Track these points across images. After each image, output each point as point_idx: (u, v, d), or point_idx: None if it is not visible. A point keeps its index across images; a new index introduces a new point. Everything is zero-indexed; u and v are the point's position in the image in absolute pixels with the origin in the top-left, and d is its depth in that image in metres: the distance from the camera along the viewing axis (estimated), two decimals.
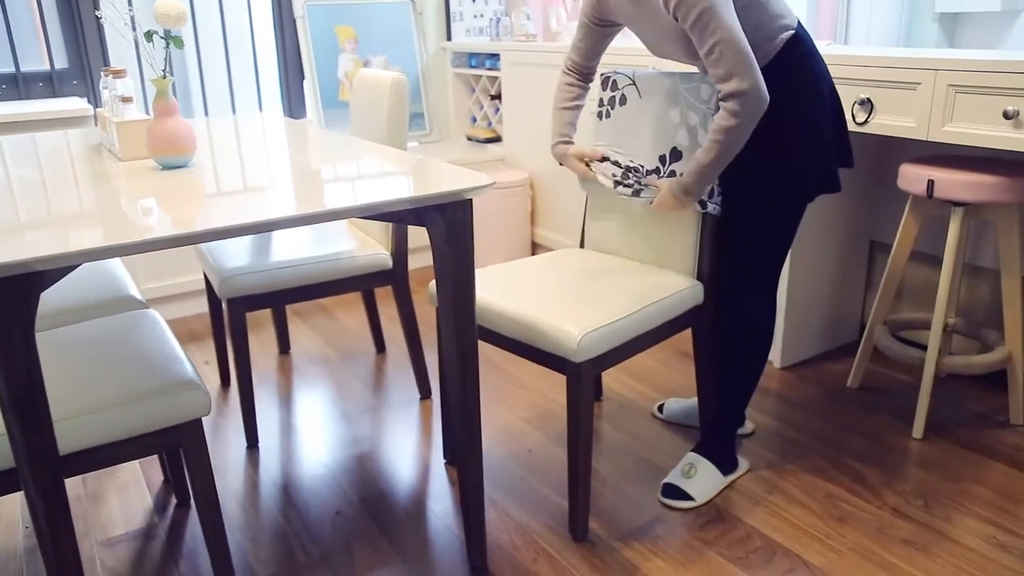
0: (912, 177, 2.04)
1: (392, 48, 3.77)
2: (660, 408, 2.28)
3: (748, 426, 2.17)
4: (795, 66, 1.67)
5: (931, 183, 1.98)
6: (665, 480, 1.91)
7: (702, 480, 1.88)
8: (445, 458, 2.06)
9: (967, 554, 1.67)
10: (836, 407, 2.28)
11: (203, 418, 2.31)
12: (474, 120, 4.04)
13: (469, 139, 3.95)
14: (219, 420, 2.31)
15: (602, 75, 2.01)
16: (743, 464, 1.98)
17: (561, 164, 1.93)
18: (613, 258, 2.03)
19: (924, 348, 2.40)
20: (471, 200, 1.45)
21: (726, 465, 1.92)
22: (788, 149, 1.69)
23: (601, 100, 2.01)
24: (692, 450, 1.94)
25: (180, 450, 1.50)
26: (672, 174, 1.86)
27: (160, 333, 1.64)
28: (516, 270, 1.98)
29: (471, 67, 3.82)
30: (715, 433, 1.93)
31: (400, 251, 2.26)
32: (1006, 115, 1.81)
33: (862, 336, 2.51)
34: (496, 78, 3.79)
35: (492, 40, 3.70)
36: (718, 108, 1.69)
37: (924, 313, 2.38)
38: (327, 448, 2.15)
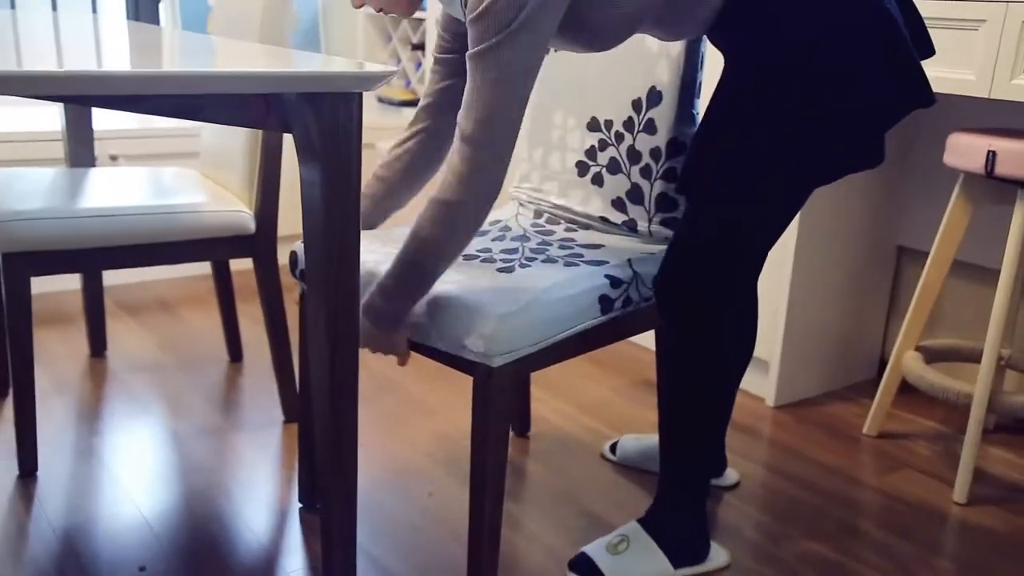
0: (965, 149, 1.90)
1: None
2: (613, 448, 2.09)
3: (730, 476, 1.99)
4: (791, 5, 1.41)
5: (992, 155, 1.84)
6: (583, 547, 1.68)
7: (629, 563, 1.62)
8: (301, 502, 1.84)
9: None
10: (849, 458, 2.14)
11: None
12: None
13: (381, 100, 3.78)
14: None
15: None
16: (719, 556, 1.70)
17: None
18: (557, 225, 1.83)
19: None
20: (360, 96, 1.23)
21: (680, 550, 1.65)
22: (800, 113, 1.43)
23: None
24: (640, 518, 1.70)
25: None
26: (650, 123, 1.69)
27: None
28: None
29: None
30: (666, 501, 1.67)
31: (267, 211, 2.04)
32: None
33: (883, 373, 2.38)
34: (420, 22, 3.63)
35: None
36: None
37: (969, 341, 2.24)
38: (140, 481, 1.89)
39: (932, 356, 2.24)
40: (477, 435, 1.49)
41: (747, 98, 1.45)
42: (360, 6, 1.49)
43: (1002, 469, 2.12)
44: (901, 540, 1.82)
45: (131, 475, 1.92)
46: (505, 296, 1.45)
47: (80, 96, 1.11)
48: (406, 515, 1.83)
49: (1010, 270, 1.90)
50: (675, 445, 1.64)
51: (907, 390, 2.48)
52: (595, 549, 1.66)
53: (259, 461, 2.00)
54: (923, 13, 1.91)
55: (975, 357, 2.23)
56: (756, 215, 1.50)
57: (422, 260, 1.39)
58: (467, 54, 1.34)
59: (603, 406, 2.34)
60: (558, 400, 2.36)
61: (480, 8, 1.30)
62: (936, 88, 1.91)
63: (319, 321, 1.31)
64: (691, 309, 1.55)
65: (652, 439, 2.07)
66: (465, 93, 1.35)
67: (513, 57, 1.31)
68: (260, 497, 1.86)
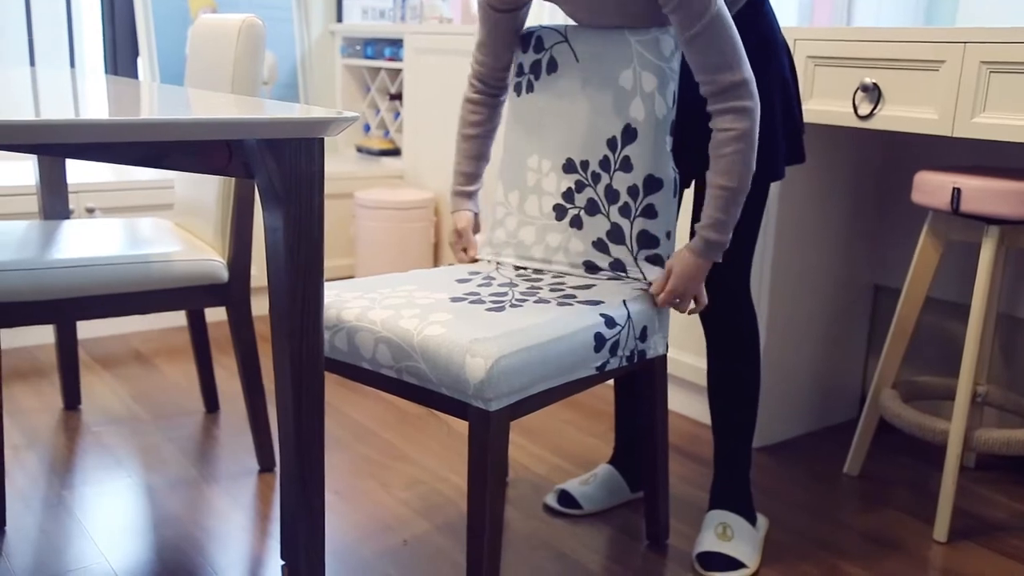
0: (931, 187, 1.94)
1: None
2: (562, 499, 2.06)
3: None
4: (763, 10, 1.77)
5: (957, 192, 1.88)
6: (700, 550, 1.84)
7: (744, 542, 1.86)
8: (283, 558, 1.82)
9: None
10: (831, 500, 2.14)
11: None
12: (367, 128, 3.89)
13: (360, 150, 3.81)
14: None
15: (522, 33, 1.87)
16: (761, 519, 1.98)
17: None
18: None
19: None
20: (321, 142, 1.26)
21: (752, 515, 1.92)
22: (766, 110, 1.75)
23: (521, 67, 1.87)
24: (712, 507, 1.92)
25: None
26: (626, 161, 1.71)
27: None
28: (396, 280, 1.78)
29: (367, 57, 3.70)
30: (736, 478, 1.91)
31: (240, 260, 2.06)
32: None
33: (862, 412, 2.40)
34: (398, 72, 3.67)
35: (395, 24, 3.58)
36: (670, 92, 1.71)
37: (944, 378, 2.26)
38: (111, 534, 1.88)
39: (910, 394, 2.25)
40: (475, 483, 1.48)
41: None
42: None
43: (982, 506, 2.13)
44: None
45: (102, 529, 1.91)
46: (501, 337, 1.45)
47: (47, 145, 1.14)
48: (381, 565, 1.82)
49: (980, 306, 1.93)
50: (736, 438, 1.90)
51: (887, 429, 2.48)
52: (711, 543, 1.84)
53: (234, 512, 1.99)
54: (887, 55, 1.96)
55: (952, 394, 2.24)
56: (762, 200, 1.80)
57: (742, 186, 1.61)
58: (691, 32, 1.56)
59: (584, 451, 2.34)
60: (536, 445, 2.36)
61: None
62: (901, 127, 1.95)
63: (284, 366, 1.33)
64: (740, 314, 1.84)
65: (603, 470, 2.09)
66: (707, 57, 1.57)
67: (722, 8, 1.57)
68: (235, 550, 1.85)
